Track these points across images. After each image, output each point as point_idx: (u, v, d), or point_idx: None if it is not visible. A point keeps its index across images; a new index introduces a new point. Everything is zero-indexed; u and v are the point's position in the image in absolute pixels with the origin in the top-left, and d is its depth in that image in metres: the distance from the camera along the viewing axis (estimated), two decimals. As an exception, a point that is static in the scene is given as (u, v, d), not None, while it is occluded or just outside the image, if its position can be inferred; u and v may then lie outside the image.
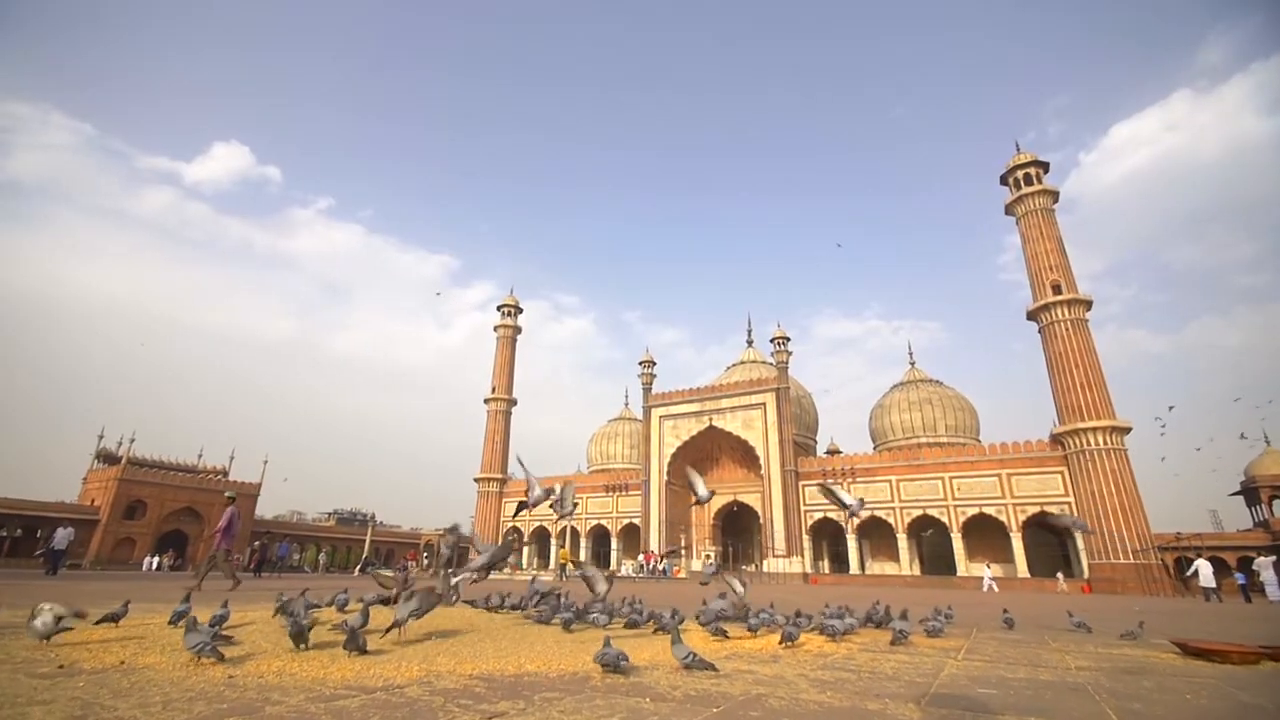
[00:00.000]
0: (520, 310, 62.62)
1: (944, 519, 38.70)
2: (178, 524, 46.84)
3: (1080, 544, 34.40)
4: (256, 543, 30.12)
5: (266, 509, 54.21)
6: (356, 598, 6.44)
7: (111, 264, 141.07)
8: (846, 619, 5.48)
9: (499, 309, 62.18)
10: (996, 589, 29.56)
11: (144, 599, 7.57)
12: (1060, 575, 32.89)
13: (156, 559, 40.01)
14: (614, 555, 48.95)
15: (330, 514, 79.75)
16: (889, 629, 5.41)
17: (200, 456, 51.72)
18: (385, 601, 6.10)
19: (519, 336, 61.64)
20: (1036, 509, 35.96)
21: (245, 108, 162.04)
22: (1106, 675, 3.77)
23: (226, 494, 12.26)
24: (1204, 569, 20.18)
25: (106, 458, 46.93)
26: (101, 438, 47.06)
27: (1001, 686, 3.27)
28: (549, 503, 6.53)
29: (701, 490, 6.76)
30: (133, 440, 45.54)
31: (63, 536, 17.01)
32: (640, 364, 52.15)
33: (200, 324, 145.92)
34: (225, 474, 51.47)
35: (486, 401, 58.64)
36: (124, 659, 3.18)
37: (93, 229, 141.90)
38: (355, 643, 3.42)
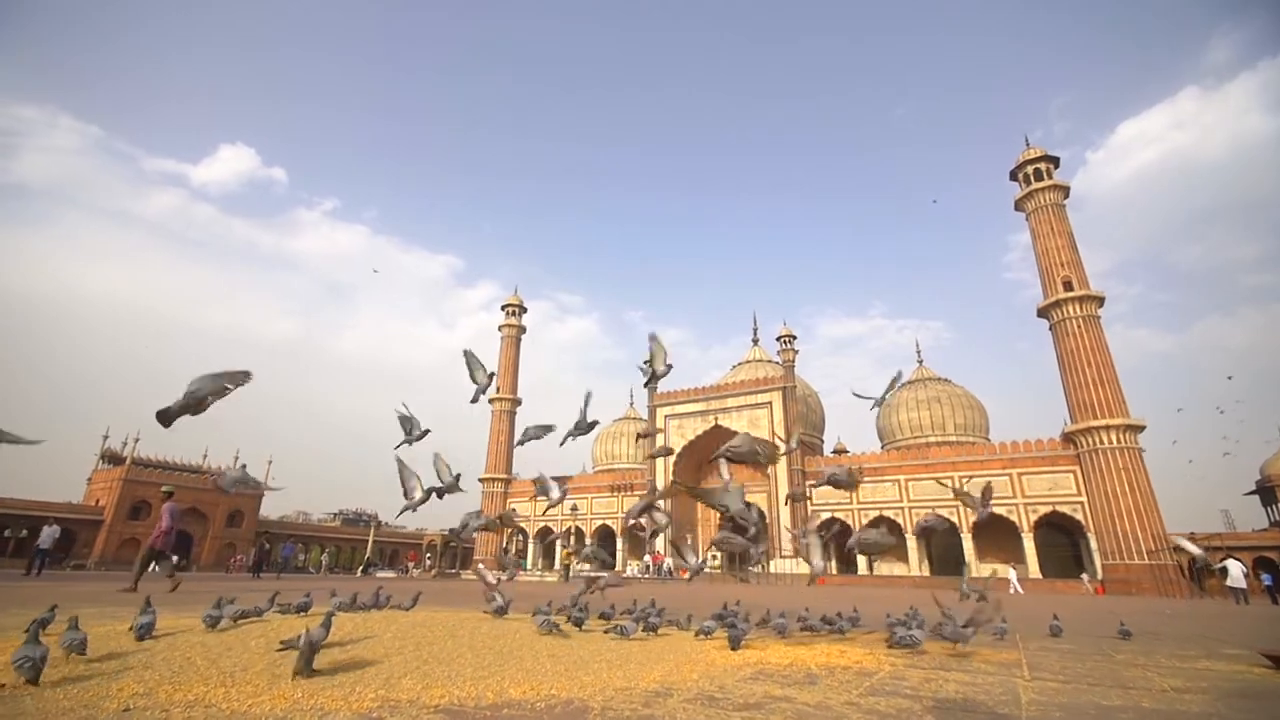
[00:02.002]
0: (524, 310, 62.20)
1: (953, 519, 37.99)
2: (182, 524, 46.55)
3: (1094, 544, 33.66)
4: (265, 544, 29.66)
5: (272, 509, 54.09)
6: (334, 600, 5.84)
7: (118, 265, 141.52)
8: (914, 630, 4.77)
9: (503, 308, 61.78)
10: (1021, 590, 28.72)
11: (118, 604, 7.05)
12: (1085, 576, 32.02)
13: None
14: (619, 555, 48.42)
15: (335, 514, 79.49)
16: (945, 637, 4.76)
17: (205, 457, 51.62)
18: (363, 606, 5.54)
19: (523, 336, 61.25)
20: (1048, 508, 35.26)
21: (251, 109, 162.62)
22: (1220, 700, 3.17)
23: (163, 489, 11.33)
24: (1234, 569, 19.45)
25: (111, 458, 46.81)
26: (106, 438, 46.94)
27: (1107, 719, 2.69)
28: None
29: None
30: (137, 440, 45.45)
31: (47, 535, 16.28)
32: (645, 363, 51.56)
33: (206, 324, 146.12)
34: (229, 474, 51.21)
35: (491, 401, 58.15)
36: (7, 681, 2.64)
37: (99, 230, 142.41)
38: (305, 664, 2.85)
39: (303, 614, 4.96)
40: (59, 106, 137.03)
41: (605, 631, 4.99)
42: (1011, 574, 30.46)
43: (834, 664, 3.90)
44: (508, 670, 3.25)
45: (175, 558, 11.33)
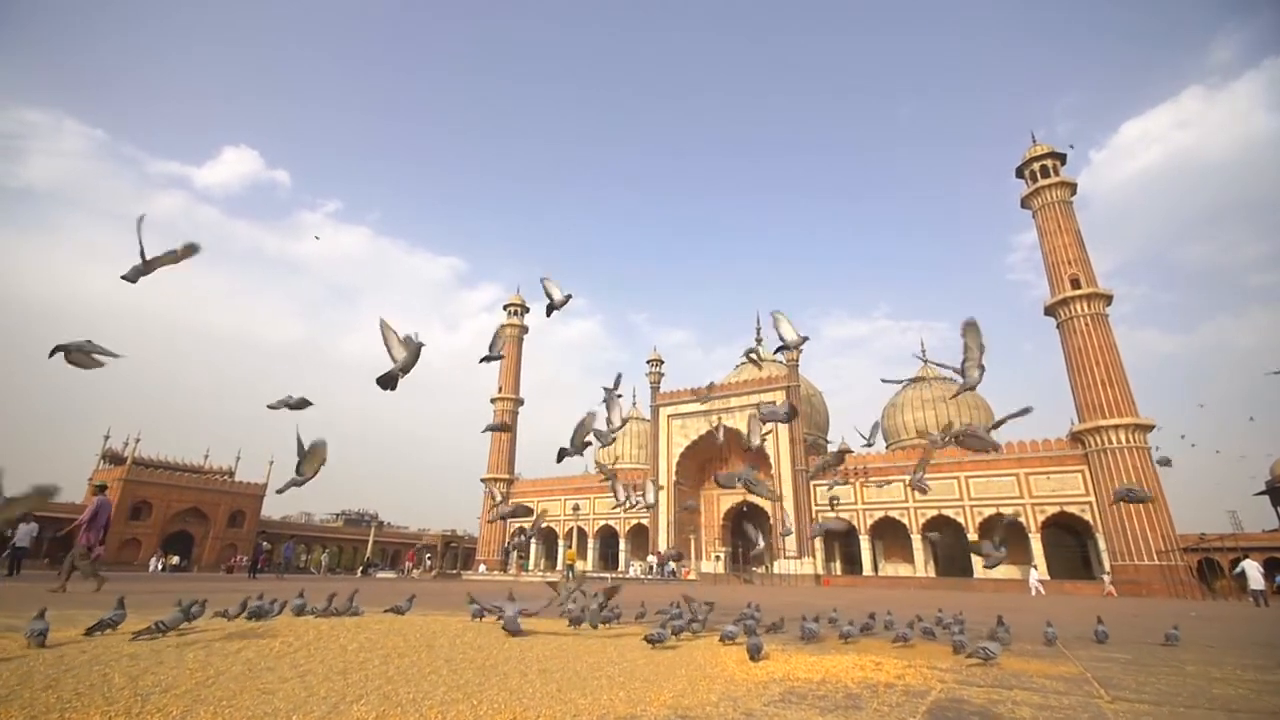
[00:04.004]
0: (527, 310, 61.96)
1: (959, 519, 37.66)
2: (183, 525, 46.58)
3: (1102, 545, 33.30)
4: (265, 544, 29.50)
5: (275, 510, 54.05)
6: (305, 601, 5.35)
7: (122, 268, 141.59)
8: (992, 641, 4.28)
9: (505, 308, 61.58)
10: (1044, 591, 28.15)
11: (82, 606, 6.52)
12: (1107, 577, 31.38)
13: (160, 560, 39.67)
14: (622, 556, 48.17)
15: (338, 515, 79.45)
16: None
17: (206, 457, 51.52)
18: (334, 611, 5.20)
19: (526, 337, 61.02)
20: (1056, 509, 34.87)
21: (253, 111, 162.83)
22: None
23: (96, 483, 10.80)
24: (1251, 570, 18.96)
25: (112, 458, 46.65)
26: (108, 438, 46.75)
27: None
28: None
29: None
30: (138, 440, 45.25)
31: (24, 533, 15.61)
32: (648, 363, 51.30)
33: (210, 326, 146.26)
34: (231, 474, 51.20)
35: (493, 401, 58.06)
36: None
37: (105, 233, 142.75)
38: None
39: (259, 619, 4.45)
40: (64, 110, 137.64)
41: (645, 638, 4.54)
42: (1032, 575, 29.78)
43: (873, 679, 3.41)
44: (488, 691, 2.75)
45: (93, 555, 10.67)
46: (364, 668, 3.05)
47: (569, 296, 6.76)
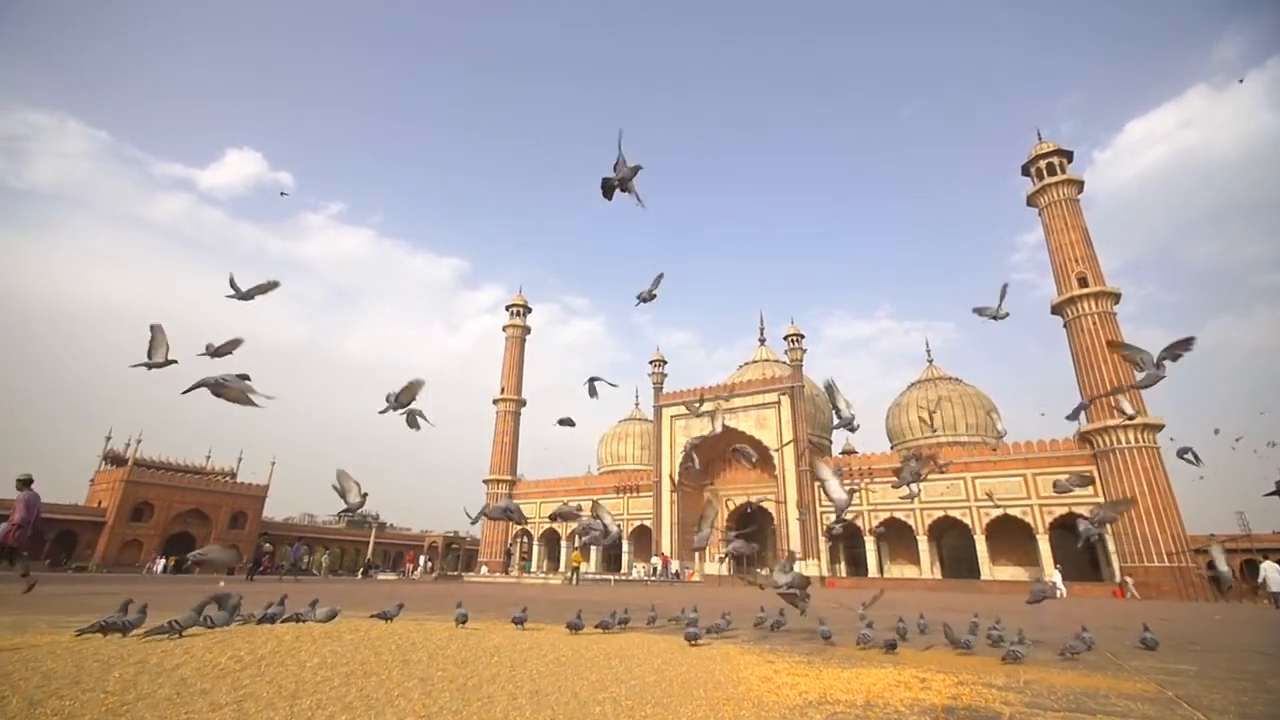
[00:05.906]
0: (529, 310, 61.74)
1: (966, 520, 37.26)
2: (184, 526, 46.42)
3: (1111, 546, 32.86)
4: (266, 545, 29.28)
5: (276, 511, 53.87)
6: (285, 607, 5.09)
7: (125, 269, 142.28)
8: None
9: (508, 309, 61.31)
10: (1065, 593, 27.52)
11: (31, 611, 6.26)
12: (1130, 580, 30.80)
13: (162, 562, 39.53)
14: (624, 558, 47.83)
15: (339, 515, 79.48)
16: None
17: (208, 458, 51.39)
18: (298, 618, 4.90)
19: (528, 337, 60.72)
20: (1064, 509, 34.43)
21: (257, 113, 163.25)
22: None
23: (19, 477, 9.97)
24: (1272, 573, 18.56)
25: (113, 459, 46.58)
26: (109, 439, 46.74)
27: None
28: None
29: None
30: (139, 441, 45.16)
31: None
32: (651, 363, 50.95)
33: (212, 328, 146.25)
34: (233, 475, 51.08)
35: (495, 402, 57.80)
36: None
37: (109, 235, 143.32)
38: None
39: (209, 628, 3.97)
40: (68, 112, 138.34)
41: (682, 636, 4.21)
42: (1056, 577, 29.16)
43: (924, 701, 2.97)
44: (470, 712, 2.33)
45: (27, 554, 10.12)
46: (318, 690, 2.60)
47: (659, 283, 7.08)
